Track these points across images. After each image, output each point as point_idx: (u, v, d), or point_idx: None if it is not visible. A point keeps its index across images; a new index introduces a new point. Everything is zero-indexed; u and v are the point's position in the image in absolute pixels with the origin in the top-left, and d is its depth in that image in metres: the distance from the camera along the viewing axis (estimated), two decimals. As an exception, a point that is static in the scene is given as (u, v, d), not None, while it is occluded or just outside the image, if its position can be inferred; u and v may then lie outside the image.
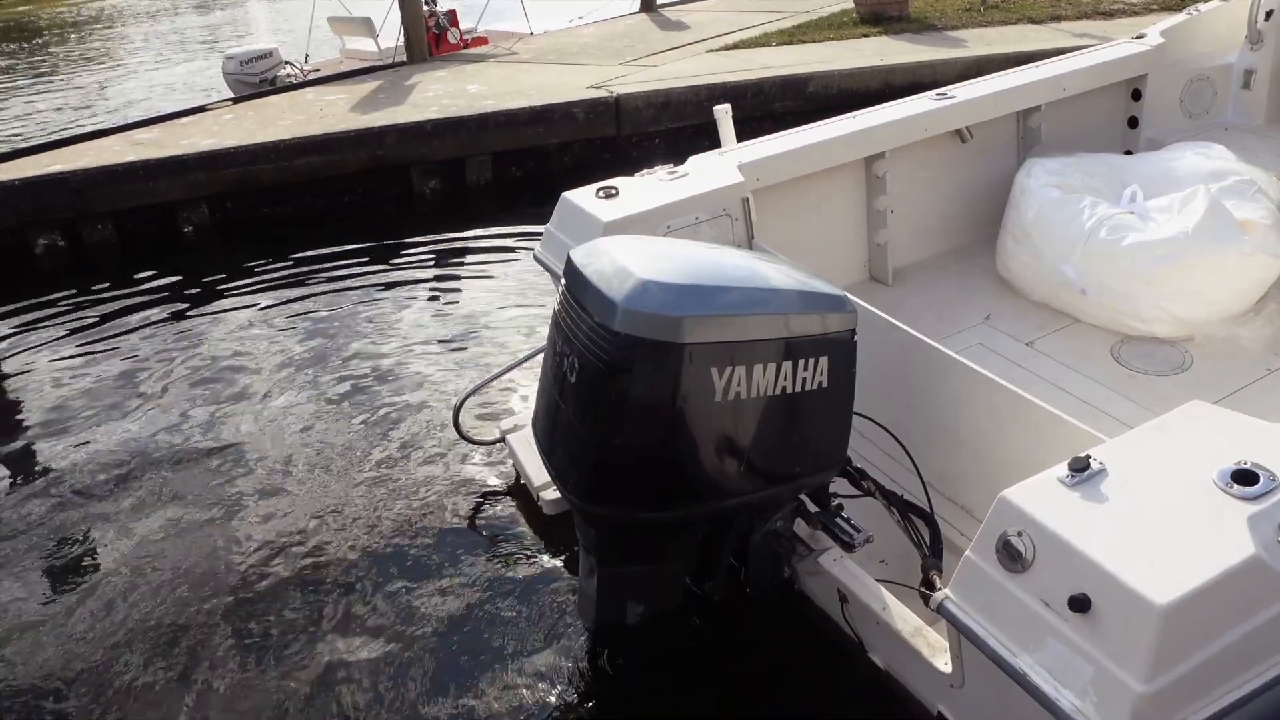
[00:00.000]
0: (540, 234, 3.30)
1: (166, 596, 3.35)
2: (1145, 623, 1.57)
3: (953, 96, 3.88)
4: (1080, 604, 1.64)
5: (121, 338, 5.49)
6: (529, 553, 3.40)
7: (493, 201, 7.58)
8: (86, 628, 3.24)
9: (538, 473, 3.34)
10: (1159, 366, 3.28)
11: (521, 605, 3.14)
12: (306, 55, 12.29)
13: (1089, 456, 1.85)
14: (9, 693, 3.02)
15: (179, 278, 6.35)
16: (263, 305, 5.77)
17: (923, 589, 2.09)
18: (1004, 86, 4.01)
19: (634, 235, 2.51)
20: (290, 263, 6.44)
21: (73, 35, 21.51)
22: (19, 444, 4.49)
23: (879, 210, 3.87)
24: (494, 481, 3.81)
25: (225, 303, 5.89)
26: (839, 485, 2.45)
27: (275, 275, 6.25)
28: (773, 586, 2.56)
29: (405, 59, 10.26)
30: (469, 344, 5.06)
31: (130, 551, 3.60)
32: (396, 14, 10.42)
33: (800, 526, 2.50)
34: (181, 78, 15.08)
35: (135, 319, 5.74)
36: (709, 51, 9.56)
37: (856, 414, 2.32)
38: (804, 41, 9.61)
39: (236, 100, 9.09)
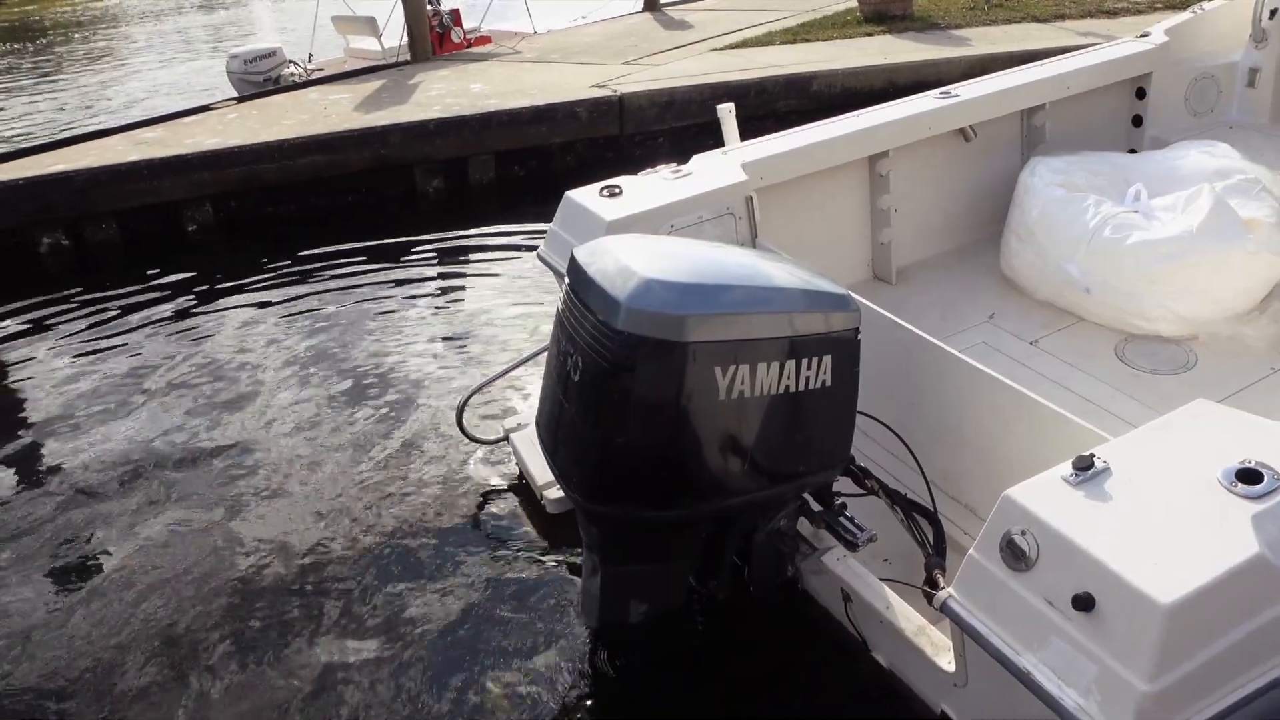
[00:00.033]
0: (543, 233, 3.31)
1: (170, 595, 3.35)
2: (1149, 622, 1.56)
3: (956, 95, 3.87)
4: (1084, 603, 1.63)
5: (125, 337, 5.50)
6: (532, 552, 3.40)
7: (496, 201, 7.58)
8: (89, 626, 3.25)
9: (541, 471, 3.34)
10: (1163, 365, 3.27)
11: (524, 604, 3.14)
12: (310, 54, 12.29)
13: (1093, 455, 1.85)
14: (11, 691, 3.02)
15: (183, 277, 6.36)
16: (266, 304, 5.78)
17: (926, 588, 2.09)
18: (1008, 85, 4.00)
19: (637, 234, 2.50)
20: (294, 262, 6.45)
21: (76, 35, 21.55)
22: (22, 442, 4.50)
23: (882, 209, 3.87)
24: (497, 480, 3.81)
25: (229, 302, 5.90)
26: (842, 484, 2.45)
27: (279, 274, 6.26)
28: (776, 585, 2.56)
29: (409, 58, 10.27)
30: (472, 343, 5.07)
31: (133, 550, 3.61)
32: (400, 13, 10.43)
33: (804, 525, 2.50)
34: (185, 77, 15.11)
35: (139, 318, 5.76)
36: (712, 50, 9.56)
37: (860, 413, 2.32)
38: (807, 40, 9.61)
39: (240, 99, 9.11)
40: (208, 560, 3.51)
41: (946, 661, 2.14)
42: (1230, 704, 1.62)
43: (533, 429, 2.56)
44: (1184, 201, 3.39)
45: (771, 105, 7.94)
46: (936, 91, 3.93)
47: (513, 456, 3.76)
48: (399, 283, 5.97)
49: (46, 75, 16.20)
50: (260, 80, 11.42)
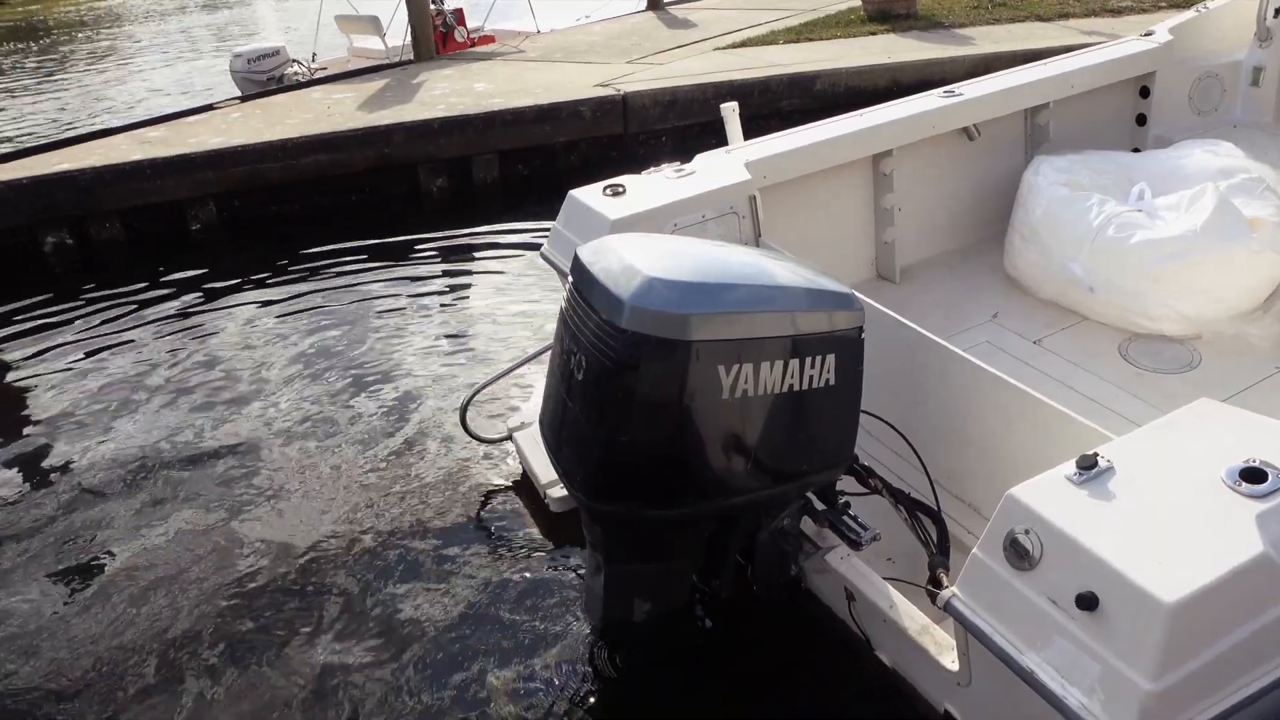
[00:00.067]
0: (547, 232, 3.31)
1: (173, 594, 3.36)
2: (1153, 621, 1.56)
3: (960, 94, 3.87)
4: (1088, 602, 1.63)
5: (128, 336, 5.51)
6: (535, 550, 3.41)
7: (499, 200, 7.58)
8: (92, 626, 3.26)
9: (544, 470, 3.34)
10: (1167, 364, 3.27)
11: (528, 603, 3.15)
12: (314, 54, 12.30)
13: (1097, 454, 1.85)
14: (12, 691, 3.03)
15: (186, 276, 6.37)
16: (270, 303, 5.79)
17: (930, 587, 2.09)
18: (1012, 84, 4.00)
19: (641, 233, 2.51)
20: (297, 261, 6.45)
21: (80, 34, 21.57)
22: (26, 441, 4.51)
23: (886, 208, 3.86)
24: (500, 479, 3.81)
25: (232, 300, 5.90)
26: (846, 483, 2.45)
27: (282, 273, 6.27)
28: (780, 584, 2.56)
29: (412, 57, 10.27)
30: (475, 342, 5.07)
31: (136, 549, 3.62)
32: (404, 12, 10.43)
33: (807, 524, 2.50)
34: (188, 76, 15.12)
35: (142, 317, 5.76)
36: (716, 50, 9.55)
37: (863, 412, 2.32)
38: (811, 39, 9.60)
39: (244, 99, 9.11)
40: (211, 559, 3.51)
41: (950, 661, 2.14)
42: (1234, 703, 1.62)
43: (536, 428, 2.56)
44: (1188, 200, 3.39)
45: (775, 104, 7.94)
46: (940, 90, 3.92)
47: (516, 455, 3.77)
48: (402, 282, 5.97)
49: (50, 75, 16.22)
50: (264, 79, 11.43)
